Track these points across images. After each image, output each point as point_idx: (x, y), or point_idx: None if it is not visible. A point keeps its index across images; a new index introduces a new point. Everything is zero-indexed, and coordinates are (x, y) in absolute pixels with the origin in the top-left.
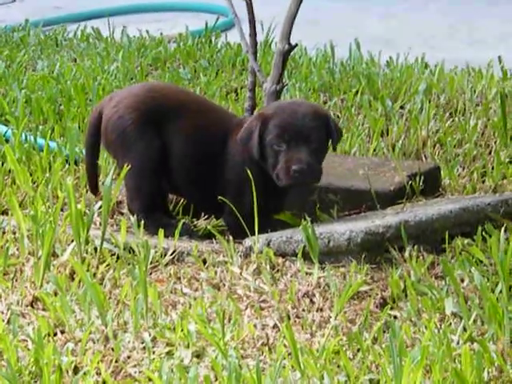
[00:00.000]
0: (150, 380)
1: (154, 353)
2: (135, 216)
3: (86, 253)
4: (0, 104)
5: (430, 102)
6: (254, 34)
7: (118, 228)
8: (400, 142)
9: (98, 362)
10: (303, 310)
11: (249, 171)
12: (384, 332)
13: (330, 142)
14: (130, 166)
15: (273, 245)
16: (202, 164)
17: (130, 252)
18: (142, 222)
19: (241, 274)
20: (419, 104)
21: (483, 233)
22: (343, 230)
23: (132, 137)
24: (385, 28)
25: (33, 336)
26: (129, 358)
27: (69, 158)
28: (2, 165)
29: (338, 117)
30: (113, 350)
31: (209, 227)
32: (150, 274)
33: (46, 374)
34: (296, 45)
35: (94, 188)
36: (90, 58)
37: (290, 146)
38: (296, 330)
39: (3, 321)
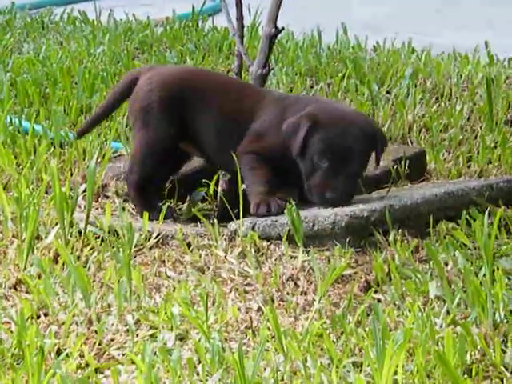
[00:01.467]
0: (133, 363)
1: (137, 335)
2: (128, 189)
3: (70, 236)
4: None
5: (416, 86)
6: (240, 18)
7: (103, 211)
8: (386, 126)
9: (81, 345)
10: (287, 294)
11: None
12: (368, 315)
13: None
14: (142, 139)
15: (258, 228)
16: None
17: (114, 235)
18: (131, 198)
19: (225, 257)
20: (405, 89)
21: (468, 217)
22: (328, 213)
23: (154, 113)
24: (372, 13)
25: (16, 318)
26: (112, 340)
27: (54, 141)
28: None
29: None
30: (96, 332)
31: (194, 210)
32: (135, 257)
33: (28, 357)
34: (283, 28)
35: (81, 132)
36: (76, 41)
37: (332, 167)
38: (280, 314)
39: None
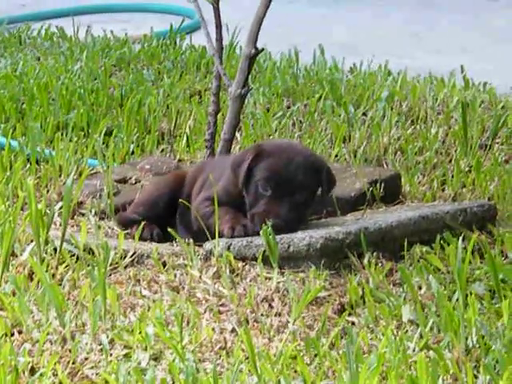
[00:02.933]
0: (106, 382)
1: (111, 355)
2: None
3: (46, 253)
4: None
5: (392, 109)
6: (220, 39)
7: (78, 229)
8: (362, 148)
9: (55, 364)
10: (262, 315)
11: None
12: (341, 338)
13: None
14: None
15: (233, 248)
16: None
17: (89, 253)
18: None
19: (200, 277)
20: (381, 111)
21: (442, 241)
22: (303, 235)
23: None
24: (349, 34)
25: None
26: (86, 359)
27: (30, 157)
28: None
29: (300, 122)
30: (70, 351)
31: (169, 230)
32: (110, 275)
33: (1, 375)
34: (262, 49)
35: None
36: (53, 57)
37: (275, 195)
38: (254, 335)
39: None
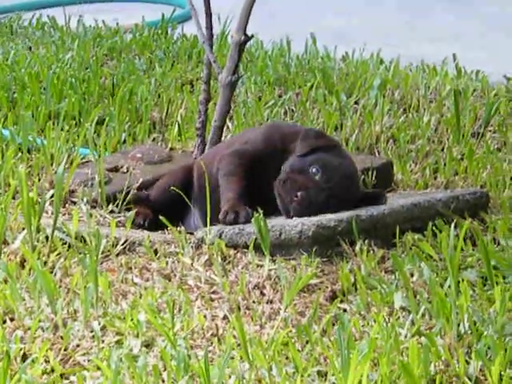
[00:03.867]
0: (98, 369)
1: (103, 342)
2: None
3: (37, 241)
4: None
5: (384, 97)
6: (210, 27)
7: (70, 217)
8: (354, 136)
9: (47, 350)
10: (253, 302)
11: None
12: (333, 325)
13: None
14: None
15: (225, 236)
16: None
17: (81, 241)
18: None
19: (192, 264)
20: (373, 99)
21: (434, 228)
22: (295, 222)
23: None
24: (341, 23)
25: None
26: (78, 346)
27: (21, 146)
28: None
29: (292, 111)
30: (62, 338)
31: (161, 218)
32: (101, 263)
33: None
34: (252, 36)
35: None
36: (45, 46)
37: (319, 181)
38: (246, 322)
39: None
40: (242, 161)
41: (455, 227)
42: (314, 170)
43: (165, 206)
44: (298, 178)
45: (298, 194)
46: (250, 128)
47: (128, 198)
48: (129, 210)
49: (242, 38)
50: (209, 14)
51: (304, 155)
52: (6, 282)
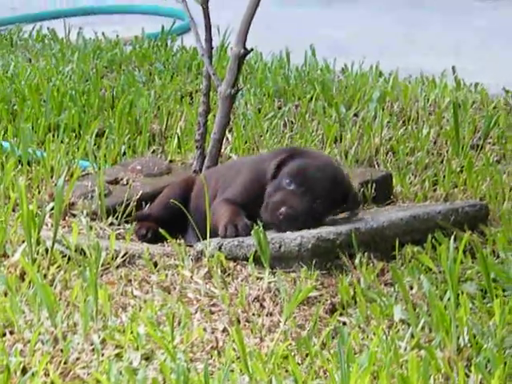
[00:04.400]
0: (98, 382)
1: (103, 355)
2: None
3: (37, 254)
4: None
5: (383, 109)
6: (209, 39)
7: (70, 230)
8: (353, 149)
9: (47, 363)
10: (253, 315)
11: None
12: (333, 338)
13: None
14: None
15: (224, 249)
16: None
17: (81, 254)
18: None
19: (191, 277)
20: (373, 111)
21: (433, 241)
22: (294, 235)
23: None
24: (340, 35)
25: None
26: (78, 359)
27: (22, 158)
28: None
29: (292, 123)
30: (62, 351)
31: (161, 230)
32: (101, 276)
33: None
34: (251, 49)
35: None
36: (45, 58)
37: (296, 191)
38: (245, 334)
39: None
40: (234, 206)
41: (455, 240)
42: (286, 182)
43: (166, 220)
44: (276, 197)
45: (281, 210)
46: (240, 160)
47: (128, 211)
48: (128, 222)
49: (242, 51)
50: (208, 27)
51: (274, 176)
52: (5, 294)
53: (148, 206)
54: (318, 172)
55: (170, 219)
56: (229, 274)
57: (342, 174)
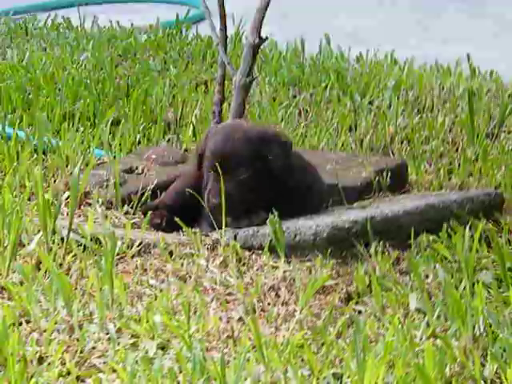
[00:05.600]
0: (114, 371)
1: (118, 344)
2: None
3: (53, 243)
4: None
5: (398, 98)
6: (224, 28)
7: (85, 219)
8: (368, 137)
9: (63, 353)
10: (268, 304)
11: None
12: (348, 327)
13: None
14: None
15: (239, 238)
16: None
17: (96, 243)
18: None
19: (207, 266)
20: (388, 100)
21: (448, 230)
22: (310, 224)
23: None
24: (354, 23)
25: None
26: (93, 348)
27: (37, 147)
28: None
29: (306, 111)
30: (78, 340)
31: (176, 219)
32: (117, 265)
33: (10, 364)
34: (266, 38)
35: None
36: (60, 47)
37: (217, 174)
38: (261, 324)
39: None
40: None
41: (470, 228)
42: (206, 170)
43: (178, 209)
44: (206, 189)
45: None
46: None
47: (143, 200)
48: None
49: (257, 40)
50: (223, 16)
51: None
52: (21, 284)
53: (159, 196)
54: (227, 144)
55: (182, 209)
56: (244, 263)
57: (253, 130)
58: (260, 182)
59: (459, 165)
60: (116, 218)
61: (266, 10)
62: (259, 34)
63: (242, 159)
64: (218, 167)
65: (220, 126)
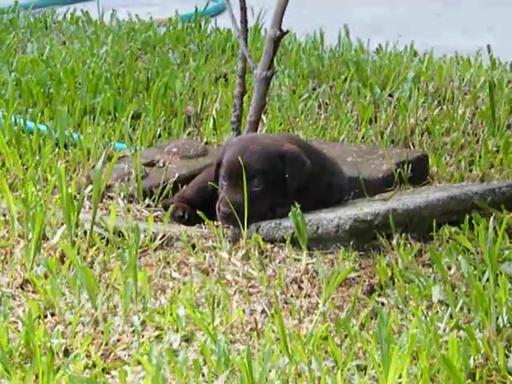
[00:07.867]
0: (139, 363)
1: (143, 336)
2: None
3: (76, 236)
4: None
5: (418, 89)
6: (245, 21)
7: (107, 212)
8: (388, 129)
9: (88, 345)
10: (291, 296)
11: None
12: (371, 319)
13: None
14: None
15: (262, 231)
16: None
17: (119, 236)
18: None
19: (229, 259)
20: (408, 92)
21: (470, 221)
22: (332, 216)
23: None
24: (373, 15)
25: (23, 318)
26: (118, 341)
27: (58, 141)
28: None
29: (326, 104)
30: (102, 333)
31: (199, 213)
32: (140, 258)
33: (38, 356)
34: (287, 31)
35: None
36: (79, 41)
37: (230, 184)
38: (284, 316)
39: None
40: None
41: (492, 220)
42: (222, 179)
43: (198, 203)
44: (219, 198)
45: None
46: None
47: (164, 193)
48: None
49: (278, 33)
50: (243, 9)
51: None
52: (46, 277)
53: (178, 192)
54: (243, 155)
55: (203, 202)
56: (266, 256)
57: (269, 144)
58: (275, 192)
59: (480, 156)
60: (138, 211)
61: (287, 3)
62: (280, 26)
63: (257, 172)
64: (233, 177)
65: (238, 137)
